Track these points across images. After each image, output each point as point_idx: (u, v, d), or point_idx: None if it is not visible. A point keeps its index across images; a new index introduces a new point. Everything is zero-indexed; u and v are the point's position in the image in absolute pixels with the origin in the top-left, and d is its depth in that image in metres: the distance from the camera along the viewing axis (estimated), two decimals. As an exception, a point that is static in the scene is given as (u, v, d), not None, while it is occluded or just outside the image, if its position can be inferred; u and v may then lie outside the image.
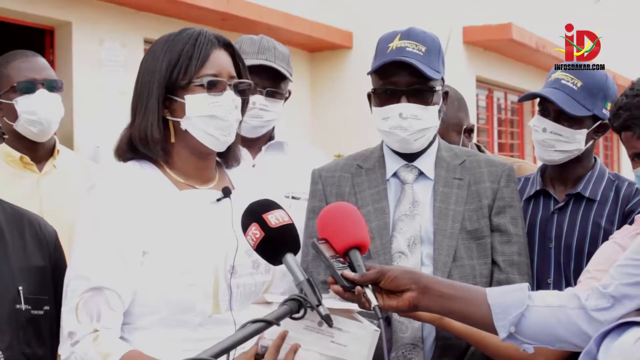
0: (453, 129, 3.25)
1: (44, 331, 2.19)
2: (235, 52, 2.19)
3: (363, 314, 1.89)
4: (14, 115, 3.01)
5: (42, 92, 3.02)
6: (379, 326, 1.83)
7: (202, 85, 2.09)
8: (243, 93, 2.18)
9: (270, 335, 1.81)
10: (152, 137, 2.09)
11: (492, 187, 2.45)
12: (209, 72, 2.09)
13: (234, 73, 2.15)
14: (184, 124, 2.10)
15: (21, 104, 2.99)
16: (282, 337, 1.81)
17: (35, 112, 3.00)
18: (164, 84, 2.09)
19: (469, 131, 3.31)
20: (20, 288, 2.15)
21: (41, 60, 3.12)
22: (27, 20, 8.20)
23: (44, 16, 8.11)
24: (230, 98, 2.11)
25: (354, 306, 1.89)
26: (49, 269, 2.24)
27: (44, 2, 7.98)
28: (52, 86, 3.07)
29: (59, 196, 3.04)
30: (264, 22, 9.81)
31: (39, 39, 8.37)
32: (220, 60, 2.12)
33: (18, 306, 2.14)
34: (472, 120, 3.62)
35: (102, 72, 8.56)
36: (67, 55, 8.25)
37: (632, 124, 2.18)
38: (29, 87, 3.01)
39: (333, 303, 1.85)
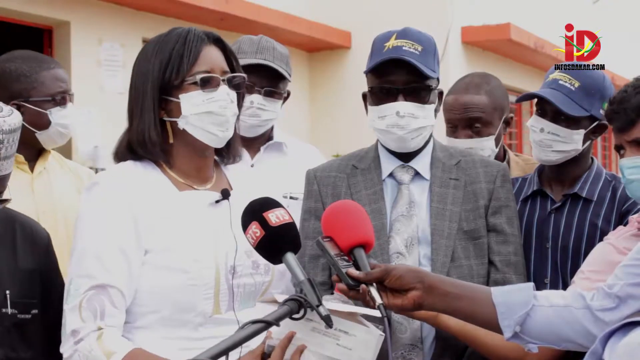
0: (498, 115, 3.09)
1: (31, 335, 2.18)
2: (226, 47, 2.18)
3: (367, 317, 1.88)
4: (42, 125, 2.95)
5: (71, 105, 3.02)
6: (383, 325, 1.82)
7: (195, 83, 2.08)
8: (238, 87, 2.17)
9: (277, 335, 1.81)
10: (150, 140, 2.10)
11: (487, 188, 2.45)
12: (201, 69, 2.09)
13: (226, 68, 2.15)
14: (182, 123, 2.10)
15: (55, 115, 2.96)
16: (289, 338, 1.81)
17: (68, 125, 2.99)
18: (158, 85, 2.09)
19: (507, 122, 3.22)
20: (7, 292, 2.14)
21: (63, 70, 3.10)
22: (25, 20, 8.18)
23: (42, 16, 8.09)
24: (224, 92, 2.11)
25: (358, 309, 1.88)
26: (38, 272, 2.23)
27: (42, 1, 7.97)
28: (71, 98, 3.06)
29: (52, 196, 3.03)
30: (263, 22, 9.80)
31: (37, 38, 8.35)
32: (211, 56, 2.12)
33: (4, 310, 2.13)
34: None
35: (101, 72, 8.55)
36: (65, 55, 8.23)
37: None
38: (63, 100, 2.99)
39: (338, 305, 1.84)
